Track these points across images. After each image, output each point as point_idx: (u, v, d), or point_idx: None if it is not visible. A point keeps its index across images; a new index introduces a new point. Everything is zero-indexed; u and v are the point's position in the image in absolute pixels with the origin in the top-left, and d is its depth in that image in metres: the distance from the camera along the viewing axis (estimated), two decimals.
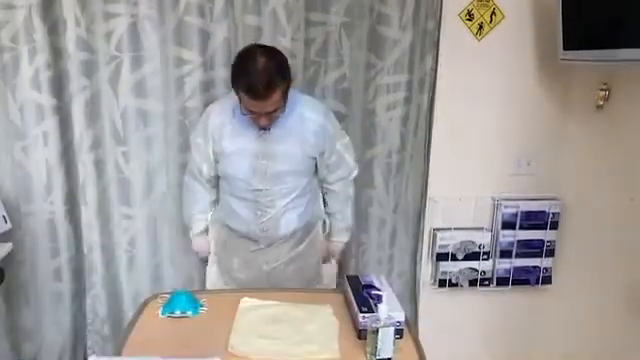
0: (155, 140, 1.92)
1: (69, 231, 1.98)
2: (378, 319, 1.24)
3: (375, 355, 1.24)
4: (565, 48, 1.81)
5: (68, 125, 1.90)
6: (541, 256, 2.15)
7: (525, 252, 2.15)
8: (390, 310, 1.28)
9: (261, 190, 1.63)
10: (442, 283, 2.14)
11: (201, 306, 1.46)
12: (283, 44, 1.85)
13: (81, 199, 1.93)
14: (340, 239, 1.84)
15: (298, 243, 1.74)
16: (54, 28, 1.81)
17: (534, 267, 2.17)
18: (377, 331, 1.24)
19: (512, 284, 2.17)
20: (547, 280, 2.19)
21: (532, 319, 2.25)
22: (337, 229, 1.83)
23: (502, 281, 2.17)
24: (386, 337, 1.23)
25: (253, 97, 1.46)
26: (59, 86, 1.86)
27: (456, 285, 2.14)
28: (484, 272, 2.14)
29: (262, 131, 1.60)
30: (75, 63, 1.81)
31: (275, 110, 1.52)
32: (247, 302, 1.49)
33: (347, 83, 1.96)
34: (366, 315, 1.33)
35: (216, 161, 1.69)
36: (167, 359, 1.17)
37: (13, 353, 2.01)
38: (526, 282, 2.18)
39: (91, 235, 1.96)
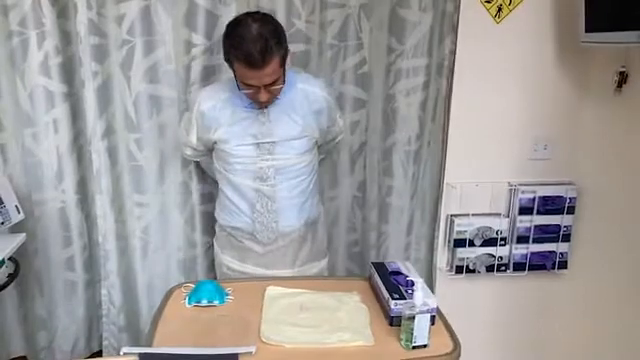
0: (168, 127, 1.88)
1: (81, 220, 1.95)
2: (413, 306, 1.23)
3: (411, 342, 1.22)
4: (587, 30, 1.78)
5: (79, 112, 1.85)
6: (557, 241, 2.15)
7: (541, 237, 2.14)
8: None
9: (265, 170, 1.56)
10: (459, 269, 2.12)
11: (227, 295, 1.44)
12: (298, 27, 1.81)
13: (95, 187, 1.88)
14: None
15: (299, 247, 1.69)
16: (63, 12, 1.75)
17: (550, 252, 2.16)
18: (413, 318, 1.22)
19: (528, 269, 2.16)
20: (563, 265, 2.18)
21: (548, 304, 2.25)
22: None
23: (518, 266, 2.16)
24: (422, 324, 1.21)
25: (249, 66, 1.38)
26: (69, 72, 1.81)
27: (473, 271, 2.13)
28: (501, 258, 2.13)
29: (260, 111, 1.53)
30: (86, 48, 1.75)
31: (274, 82, 1.44)
32: (273, 290, 1.47)
33: (367, 68, 1.92)
34: (399, 302, 1.31)
35: (211, 147, 1.63)
36: (201, 349, 1.14)
37: (27, 341, 1.98)
38: (542, 267, 2.17)
39: (105, 224, 1.92)
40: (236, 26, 1.41)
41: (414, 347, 1.23)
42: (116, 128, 1.86)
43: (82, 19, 1.71)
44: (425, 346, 1.24)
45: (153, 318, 1.34)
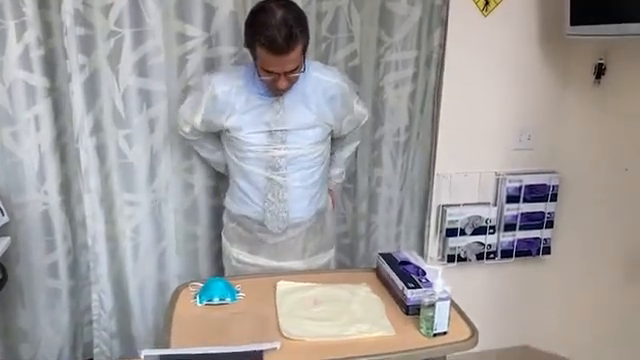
0: (159, 122, 1.81)
1: (65, 223, 1.84)
2: (433, 293, 1.24)
3: (432, 329, 1.23)
4: (572, 23, 1.85)
5: (62, 108, 1.76)
6: (541, 228, 2.22)
7: (527, 224, 2.21)
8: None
9: (277, 160, 1.54)
10: (451, 258, 2.16)
11: (238, 292, 1.40)
12: None
13: (84, 187, 1.79)
14: (336, 180, 1.83)
15: (308, 237, 1.67)
16: (45, 1, 1.65)
17: (535, 238, 2.24)
18: (432, 305, 1.23)
19: (515, 256, 2.23)
20: (546, 250, 2.26)
21: (533, 288, 2.33)
22: (333, 174, 1.80)
23: (506, 253, 2.22)
24: (443, 311, 1.23)
25: (274, 52, 1.36)
26: (52, 65, 1.71)
27: (465, 260, 2.17)
28: (490, 245, 2.19)
29: (274, 98, 1.51)
30: (72, 39, 1.66)
31: (295, 69, 1.43)
32: (284, 285, 1.45)
33: (358, 60, 1.92)
34: (415, 291, 1.32)
35: (216, 132, 1.62)
36: (225, 347, 1.11)
37: (9, 354, 1.87)
38: (528, 253, 2.25)
39: (95, 225, 1.83)
40: (260, 12, 1.39)
41: (435, 334, 1.24)
42: (104, 124, 1.77)
43: (68, 8, 1.62)
44: (445, 333, 1.25)
45: (165, 319, 1.30)
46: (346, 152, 1.81)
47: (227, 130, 1.56)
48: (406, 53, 1.96)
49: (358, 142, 1.86)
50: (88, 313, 1.95)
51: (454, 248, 2.15)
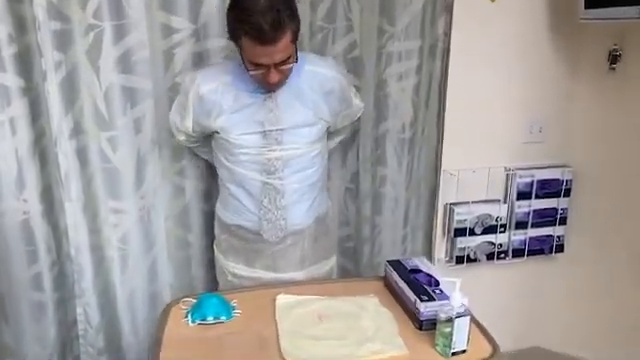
0: (145, 122, 1.68)
1: (48, 233, 1.71)
2: (451, 308, 1.12)
3: (450, 347, 1.12)
4: (587, 6, 1.73)
5: (40, 109, 1.63)
6: (554, 225, 2.11)
7: (539, 222, 2.10)
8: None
9: (272, 162, 1.42)
10: (460, 259, 2.05)
11: (234, 309, 1.28)
12: None
13: (65, 195, 1.66)
14: None
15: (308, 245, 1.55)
16: None
17: (547, 236, 2.13)
18: (449, 321, 1.11)
19: (527, 255, 2.12)
20: (559, 248, 2.16)
21: (546, 288, 2.23)
22: None
23: (518, 253, 2.11)
24: (462, 327, 1.11)
25: (260, 42, 1.22)
26: (27, 63, 1.57)
27: (474, 260, 2.06)
28: (500, 245, 2.07)
29: (267, 96, 1.38)
30: (46, 34, 1.52)
31: (286, 60, 1.29)
32: (284, 299, 1.33)
33: (358, 51, 1.79)
34: (429, 304, 1.20)
35: (209, 134, 1.49)
36: None
37: None
38: (540, 252, 2.14)
39: (77, 235, 1.70)
40: None
41: (453, 353, 1.12)
42: (85, 126, 1.64)
43: (39, 1, 1.49)
44: (464, 351, 1.13)
45: (154, 341, 1.17)
46: (330, 144, 1.68)
47: (216, 132, 1.43)
48: (409, 43, 1.83)
49: (344, 136, 1.74)
50: (76, 326, 1.83)
51: (463, 249, 2.04)
